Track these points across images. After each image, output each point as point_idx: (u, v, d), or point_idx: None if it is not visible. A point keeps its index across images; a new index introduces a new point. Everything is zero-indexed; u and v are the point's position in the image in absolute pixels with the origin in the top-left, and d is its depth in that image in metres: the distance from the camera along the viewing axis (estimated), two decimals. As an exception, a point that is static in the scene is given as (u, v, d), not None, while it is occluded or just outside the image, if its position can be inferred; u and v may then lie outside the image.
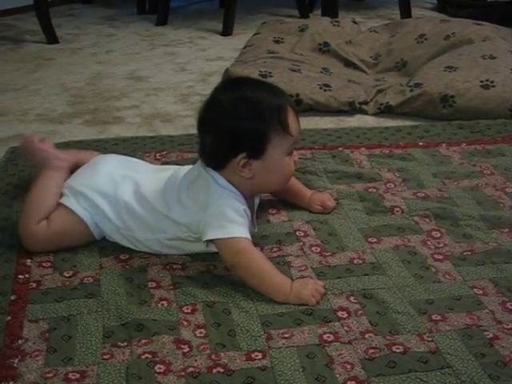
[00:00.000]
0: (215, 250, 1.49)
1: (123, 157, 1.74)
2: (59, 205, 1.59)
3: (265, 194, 1.75)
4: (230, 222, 1.45)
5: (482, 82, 2.42)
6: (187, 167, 1.60)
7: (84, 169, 1.66)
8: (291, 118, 1.49)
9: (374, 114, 2.48)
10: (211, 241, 1.47)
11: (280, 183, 1.58)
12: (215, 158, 1.50)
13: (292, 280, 1.45)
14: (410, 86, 2.50)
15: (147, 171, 1.66)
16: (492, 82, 2.41)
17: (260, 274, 1.43)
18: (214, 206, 1.47)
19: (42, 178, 1.65)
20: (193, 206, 1.50)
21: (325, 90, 2.53)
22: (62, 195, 1.61)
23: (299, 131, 1.54)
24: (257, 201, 1.64)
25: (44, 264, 1.53)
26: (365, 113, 2.49)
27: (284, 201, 1.77)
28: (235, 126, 1.45)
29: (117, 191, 1.57)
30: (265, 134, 1.46)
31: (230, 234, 1.44)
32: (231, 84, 1.60)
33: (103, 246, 1.60)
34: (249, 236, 1.47)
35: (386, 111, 2.48)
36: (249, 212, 1.51)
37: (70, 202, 1.58)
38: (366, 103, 2.52)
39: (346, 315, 1.36)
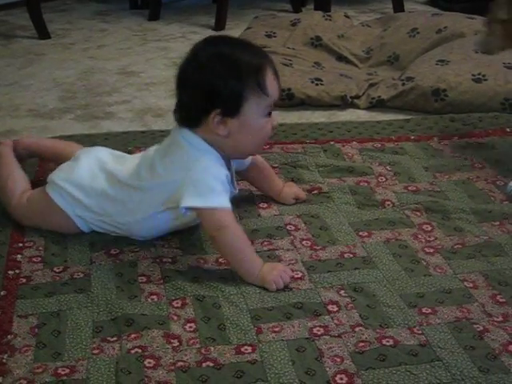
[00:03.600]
0: (194, 222, 1.52)
1: (107, 150, 1.71)
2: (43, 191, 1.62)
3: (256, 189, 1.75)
4: (209, 190, 1.43)
5: (473, 75, 2.42)
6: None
7: (66, 163, 1.66)
8: (269, 78, 1.47)
9: (366, 108, 2.47)
10: (190, 209, 1.45)
11: (256, 145, 1.54)
12: (190, 114, 1.48)
13: (264, 263, 1.46)
14: (402, 80, 2.50)
15: (128, 163, 1.62)
16: (484, 75, 2.41)
17: (236, 253, 1.45)
18: (192, 171, 1.45)
19: None
20: (168, 173, 1.48)
21: (316, 85, 2.53)
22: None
23: (278, 92, 1.52)
24: (233, 165, 1.60)
25: (34, 259, 1.53)
26: (357, 107, 2.49)
27: (257, 190, 1.79)
28: (210, 81, 1.44)
29: (92, 181, 1.57)
30: (240, 92, 1.43)
31: (209, 203, 1.43)
32: (211, 40, 1.55)
33: (93, 241, 1.59)
34: (229, 204, 1.45)
35: (377, 105, 2.47)
36: (228, 174, 1.50)
37: (53, 194, 1.59)
38: (357, 97, 2.51)
39: (336, 309, 1.36)
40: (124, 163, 1.61)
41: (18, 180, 1.69)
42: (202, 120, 1.46)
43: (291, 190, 1.76)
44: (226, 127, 1.46)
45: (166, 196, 1.48)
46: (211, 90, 1.44)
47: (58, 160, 1.74)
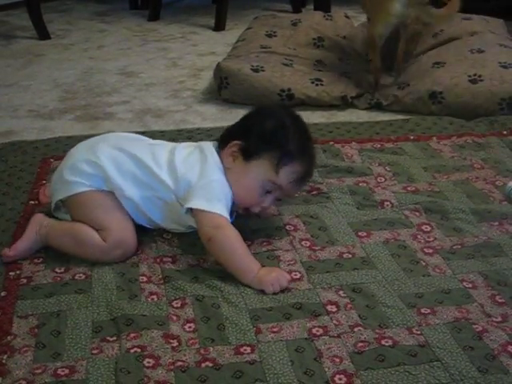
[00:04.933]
0: (192, 223, 1.53)
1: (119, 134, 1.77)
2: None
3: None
4: (216, 198, 1.49)
5: (469, 76, 2.42)
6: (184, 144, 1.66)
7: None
8: (289, 171, 1.54)
9: (365, 108, 2.48)
10: (191, 210, 1.50)
11: (239, 198, 1.56)
12: (225, 135, 1.60)
13: (262, 266, 1.46)
14: (398, 85, 2.51)
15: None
16: (480, 76, 2.42)
17: (232, 253, 1.45)
18: (206, 179, 1.52)
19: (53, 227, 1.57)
20: (184, 174, 1.53)
21: (317, 85, 2.53)
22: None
23: (292, 192, 1.63)
24: None
25: (36, 260, 1.53)
26: (356, 107, 2.49)
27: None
28: (255, 123, 1.57)
29: (97, 152, 1.56)
30: (262, 149, 1.53)
31: (213, 208, 1.47)
32: (288, 111, 1.64)
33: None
34: (229, 218, 1.49)
35: (376, 107, 2.48)
36: (232, 196, 1.55)
37: (80, 188, 1.54)
38: (357, 97, 2.52)
39: (335, 309, 1.36)
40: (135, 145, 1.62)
41: (84, 227, 1.53)
42: (227, 144, 1.56)
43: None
44: (233, 162, 1.55)
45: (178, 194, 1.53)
46: (249, 128, 1.57)
47: None
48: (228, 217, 1.49)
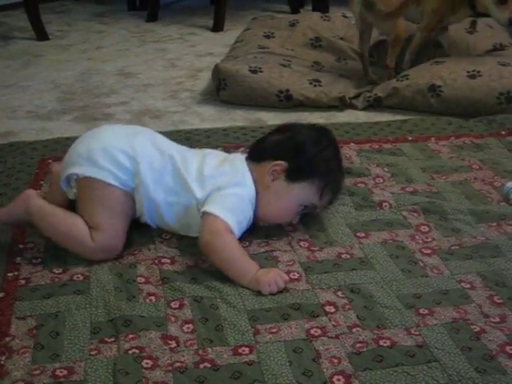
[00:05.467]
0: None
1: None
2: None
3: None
4: (230, 210, 1.49)
5: (468, 72, 2.44)
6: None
7: (89, 136, 1.61)
8: (329, 196, 1.60)
9: (364, 108, 2.48)
10: (206, 213, 1.50)
11: (275, 216, 1.59)
12: (263, 150, 1.59)
13: (260, 267, 1.46)
14: (398, 78, 2.51)
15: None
16: (478, 71, 2.43)
17: (229, 258, 1.46)
18: (229, 190, 1.52)
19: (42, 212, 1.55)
20: (212, 185, 1.53)
21: (315, 86, 2.54)
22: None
23: (324, 206, 1.65)
24: None
25: (34, 261, 1.53)
26: (355, 107, 2.49)
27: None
28: (307, 144, 1.57)
29: (134, 145, 1.54)
30: (312, 174, 1.55)
31: (221, 214, 1.47)
32: (333, 138, 1.67)
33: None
34: (235, 230, 1.49)
35: (375, 104, 2.48)
36: (252, 216, 1.56)
37: (94, 173, 1.51)
38: (356, 97, 2.52)
39: (333, 310, 1.36)
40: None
41: (76, 222, 1.52)
42: (266, 162, 1.56)
43: None
44: (273, 181, 1.56)
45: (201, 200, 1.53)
46: (300, 149, 1.56)
47: None
48: (235, 228, 1.48)
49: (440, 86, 2.40)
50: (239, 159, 1.61)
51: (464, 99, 2.38)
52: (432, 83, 2.42)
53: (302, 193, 1.56)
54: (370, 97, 2.49)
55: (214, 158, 1.61)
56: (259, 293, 1.41)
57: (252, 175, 1.57)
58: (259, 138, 1.67)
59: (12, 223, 1.61)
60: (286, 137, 1.61)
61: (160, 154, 1.56)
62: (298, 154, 1.56)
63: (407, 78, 2.48)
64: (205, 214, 1.49)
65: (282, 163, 1.55)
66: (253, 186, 1.55)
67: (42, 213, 1.53)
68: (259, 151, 1.61)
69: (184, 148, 1.66)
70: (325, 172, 1.56)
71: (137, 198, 1.55)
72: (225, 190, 1.52)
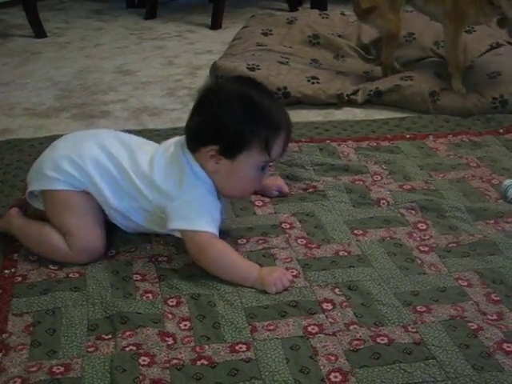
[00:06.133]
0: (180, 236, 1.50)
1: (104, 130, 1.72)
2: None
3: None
4: (198, 214, 1.46)
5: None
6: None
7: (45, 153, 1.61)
8: (279, 142, 1.47)
9: (364, 103, 2.47)
10: (175, 230, 1.49)
11: (240, 192, 1.55)
12: (193, 139, 1.49)
13: (260, 265, 1.46)
14: (401, 77, 2.51)
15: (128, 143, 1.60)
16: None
17: (226, 264, 1.44)
18: (187, 196, 1.46)
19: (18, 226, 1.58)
20: (163, 187, 1.48)
21: (313, 83, 2.53)
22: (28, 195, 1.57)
23: (281, 155, 1.52)
24: None
25: (31, 257, 1.53)
26: (354, 102, 2.48)
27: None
28: (222, 118, 1.43)
29: (81, 150, 1.53)
30: (245, 142, 1.44)
31: (195, 226, 1.45)
32: (245, 80, 1.58)
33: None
34: (215, 230, 1.46)
35: (375, 97, 2.47)
36: (220, 205, 1.51)
37: (56, 185, 1.51)
38: (354, 93, 2.51)
39: (330, 307, 1.36)
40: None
41: (50, 233, 1.53)
42: (201, 148, 1.46)
43: (274, 182, 1.77)
44: (217, 163, 1.47)
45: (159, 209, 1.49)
46: (219, 126, 1.44)
47: None
48: (214, 230, 1.45)
49: (439, 94, 2.41)
50: (182, 156, 1.50)
51: (459, 105, 2.39)
52: (434, 89, 2.42)
53: (249, 161, 1.46)
54: (371, 90, 2.48)
55: (161, 157, 1.52)
56: (257, 290, 1.41)
57: (199, 165, 1.48)
58: (186, 124, 1.55)
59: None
60: (203, 118, 1.48)
61: (108, 157, 1.52)
62: (220, 132, 1.44)
63: (411, 79, 2.48)
64: (181, 232, 1.47)
65: (214, 147, 1.44)
66: (206, 177, 1.48)
67: (22, 231, 1.56)
68: (190, 141, 1.51)
69: (138, 145, 1.57)
70: (256, 131, 1.43)
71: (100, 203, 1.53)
72: (182, 196, 1.46)
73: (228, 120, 1.43)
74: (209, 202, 1.48)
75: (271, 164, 1.56)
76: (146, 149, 1.57)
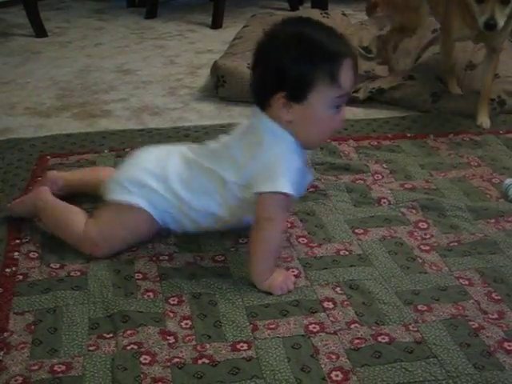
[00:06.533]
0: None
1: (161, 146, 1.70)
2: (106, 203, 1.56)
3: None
4: (280, 175, 1.40)
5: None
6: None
7: (127, 163, 1.61)
8: (345, 69, 1.38)
9: (364, 103, 2.46)
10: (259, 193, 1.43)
11: (319, 136, 1.48)
12: (259, 94, 1.45)
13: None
14: (404, 77, 2.51)
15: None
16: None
17: (263, 252, 1.43)
18: (268, 155, 1.41)
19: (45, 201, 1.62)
20: (243, 158, 1.45)
21: (313, 82, 2.53)
22: (106, 192, 1.57)
23: (352, 85, 1.44)
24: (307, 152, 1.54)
25: (31, 255, 1.53)
26: (355, 99, 2.47)
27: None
28: (281, 61, 1.38)
29: (166, 167, 1.53)
30: (309, 78, 1.37)
31: (277, 188, 1.39)
32: (295, 20, 1.49)
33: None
34: (293, 192, 1.41)
35: (376, 95, 2.47)
36: (301, 164, 1.46)
37: (121, 195, 1.53)
38: (356, 91, 2.50)
39: (331, 306, 1.37)
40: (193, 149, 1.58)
41: (76, 213, 1.58)
42: (270, 101, 1.41)
43: None
44: (289, 112, 1.40)
45: (241, 181, 1.46)
46: (281, 70, 1.38)
47: (88, 187, 1.71)
48: (291, 191, 1.39)
49: (440, 95, 2.42)
50: (255, 118, 1.47)
51: (459, 106, 2.39)
52: (435, 91, 2.42)
53: (320, 99, 1.39)
54: (373, 88, 2.48)
55: (239, 139, 1.50)
56: (258, 289, 1.41)
57: (275, 122, 1.43)
58: (249, 84, 1.49)
59: (22, 215, 1.66)
60: (262, 68, 1.43)
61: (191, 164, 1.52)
62: (282, 76, 1.38)
63: (414, 80, 2.49)
64: (260, 194, 1.42)
65: (281, 94, 1.38)
66: (284, 133, 1.42)
67: (46, 205, 1.60)
68: (258, 97, 1.46)
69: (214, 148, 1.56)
70: (317, 66, 1.37)
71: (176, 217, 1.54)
72: (263, 159, 1.41)
73: (286, 61, 1.37)
74: (289, 161, 1.42)
75: (347, 99, 1.46)
76: (223, 142, 1.55)
